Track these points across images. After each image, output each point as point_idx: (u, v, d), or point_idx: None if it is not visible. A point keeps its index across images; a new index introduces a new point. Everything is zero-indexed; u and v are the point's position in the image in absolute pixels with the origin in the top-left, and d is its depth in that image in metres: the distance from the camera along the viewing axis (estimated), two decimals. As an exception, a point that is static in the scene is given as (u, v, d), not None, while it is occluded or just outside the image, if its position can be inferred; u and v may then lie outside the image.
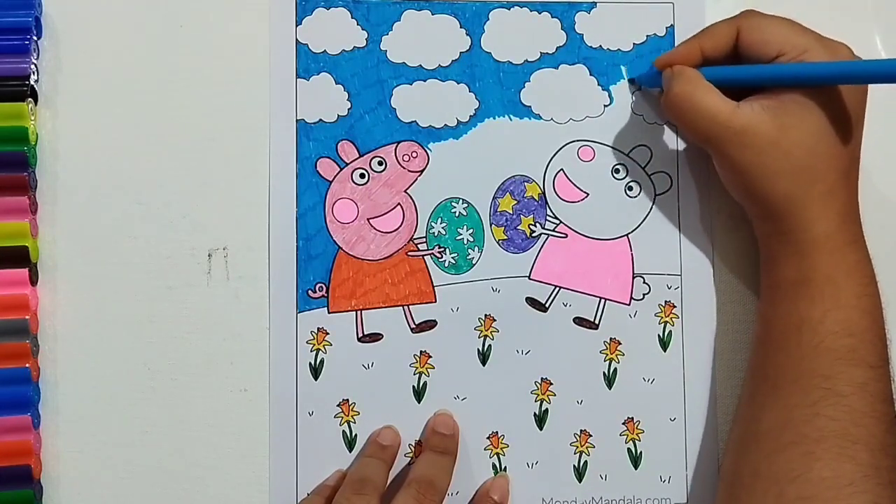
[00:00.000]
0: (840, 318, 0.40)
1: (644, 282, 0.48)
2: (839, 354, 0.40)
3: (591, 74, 0.48)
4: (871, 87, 0.43)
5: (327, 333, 0.46)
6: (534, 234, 0.48)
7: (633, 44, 0.48)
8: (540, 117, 0.48)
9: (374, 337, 0.47)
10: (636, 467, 0.47)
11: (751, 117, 0.41)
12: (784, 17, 0.43)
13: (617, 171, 0.48)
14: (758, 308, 0.45)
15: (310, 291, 0.46)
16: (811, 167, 0.40)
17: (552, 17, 0.48)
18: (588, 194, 0.48)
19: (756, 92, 0.42)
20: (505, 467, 0.47)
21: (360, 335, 0.47)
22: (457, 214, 0.47)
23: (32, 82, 0.45)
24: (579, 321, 0.47)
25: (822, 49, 0.41)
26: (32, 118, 0.45)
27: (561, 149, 0.48)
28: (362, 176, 0.47)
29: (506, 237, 0.47)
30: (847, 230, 0.41)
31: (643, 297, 0.48)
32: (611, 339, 0.47)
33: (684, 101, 0.42)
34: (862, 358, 0.40)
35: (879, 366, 0.40)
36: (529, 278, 0.47)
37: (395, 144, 0.47)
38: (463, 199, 0.47)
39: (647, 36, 0.48)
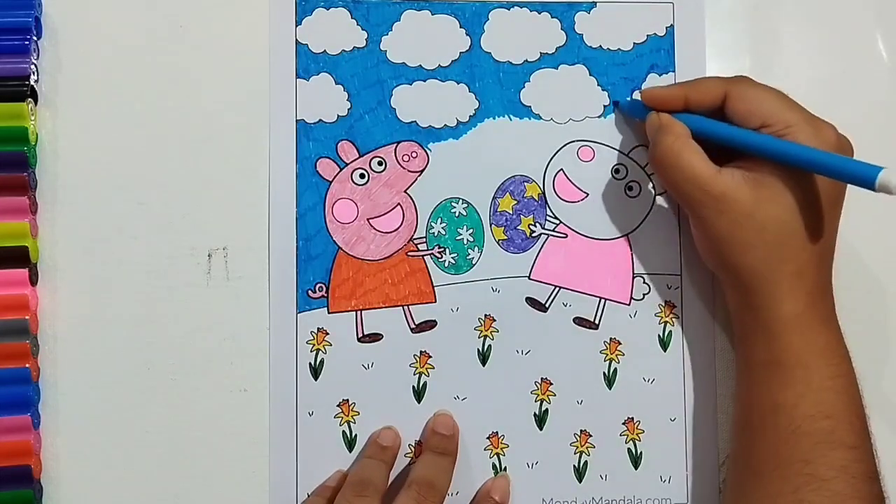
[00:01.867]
0: (815, 401, 0.40)
1: (644, 282, 0.48)
2: (817, 438, 0.39)
3: (591, 74, 0.48)
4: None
5: (327, 333, 0.46)
6: (534, 234, 0.48)
7: (634, 43, 0.48)
8: (540, 117, 0.48)
9: (374, 337, 0.47)
10: (636, 467, 0.47)
11: (730, 185, 0.40)
12: (775, 90, 0.42)
13: (617, 171, 0.48)
14: (735, 389, 0.45)
15: (310, 291, 0.46)
16: (784, 244, 0.40)
17: (552, 17, 0.48)
18: (588, 194, 0.48)
19: (736, 154, 0.42)
20: (505, 467, 0.47)
21: (360, 335, 0.47)
22: (457, 214, 0.47)
23: (32, 82, 0.45)
24: (579, 321, 0.47)
25: (807, 128, 0.40)
26: (32, 118, 0.45)
27: (561, 149, 0.48)
28: (362, 176, 0.47)
29: (506, 237, 0.47)
30: (816, 310, 0.41)
31: (643, 297, 0.47)
32: (611, 339, 0.47)
33: (670, 158, 0.42)
34: (840, 440, 0.39)
35: (858, 445, 0.40)
36: (529, 278, 0.47)
37: (394, 144, 0.47)
38: (463, 199, 0.47)
39: (647, 36, 0.48)
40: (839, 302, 0.42)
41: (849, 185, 0.41)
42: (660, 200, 0.48)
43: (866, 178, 0.36)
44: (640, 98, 0.45)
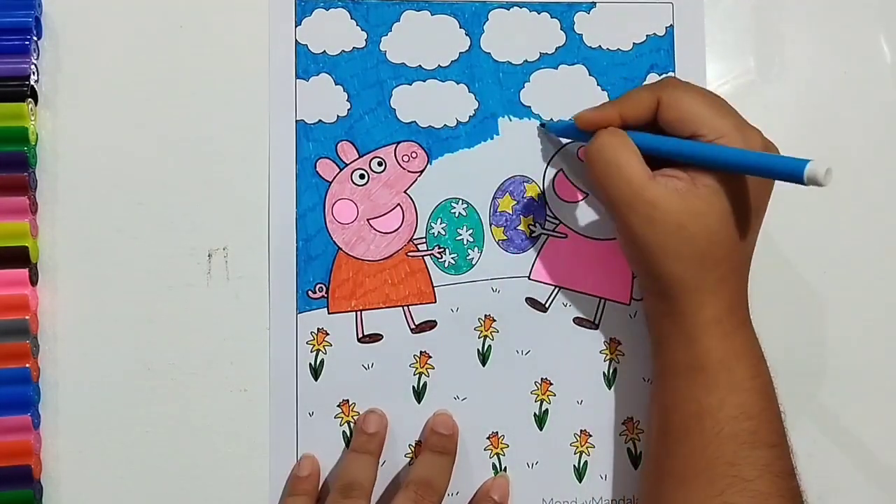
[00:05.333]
0: (738, 403, 0.40)
1: (644, 282, 0.47)
2: (741, 439, 0.39)
3: (590, 74, 0.48)
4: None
5: (327, 334, 0.46)
6: (533, 235, 0.48)
7: (633, 43, 0.48)
8: (540, 117, 0.48)
9: (374, 337, 0.47)
10: (636, 467, 0.47)
11: (663, 194, 0.39)
12: (705, 94, 0.41)
13: (617, 171, 0.48)
14: (652, 394, 0.45)
15: (310, 292, 0.46)
16: (711, 254, 0.40)
17: (552, 17, 0.48)
18: (588, 194, 0.48)
19: (670, 163, 0.41)
20: (505, 467, 0.47)
21: (360, 335, 0.47)
22: (456, 215, 0.47)
23: (32, 82, 0.45)
24: (579, 321, 0.47)
25: (737, 136, 0.39)
26: (32, 118, 0.45)
27: (561, 149, 0.48)
28: (362, 177, 0.47)
29: (506, 237, 0.47)
30: (735, 314, 0.41)
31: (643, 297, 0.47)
32: (611, 339, 0.47)
33: (607, 154, 0.41)
34: (762, 439, 0.39)
35: (779, 444, 0.40)
36: (529, 278, 0.47)
37: (394, 145, 0.47)
38: (463, 200, 0.47)
39: (647, 36, 0.48)
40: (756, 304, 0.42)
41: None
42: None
43: (795, 172, 0.35)
44: (573, 121, 0.44)
